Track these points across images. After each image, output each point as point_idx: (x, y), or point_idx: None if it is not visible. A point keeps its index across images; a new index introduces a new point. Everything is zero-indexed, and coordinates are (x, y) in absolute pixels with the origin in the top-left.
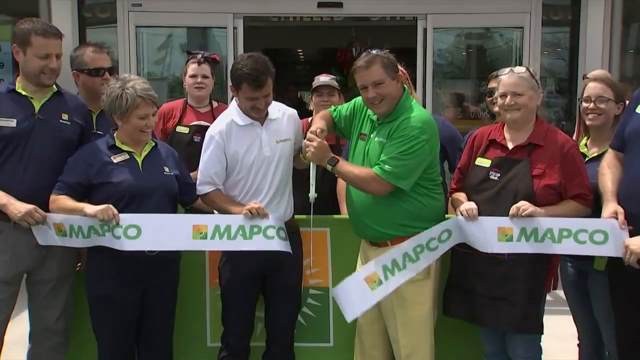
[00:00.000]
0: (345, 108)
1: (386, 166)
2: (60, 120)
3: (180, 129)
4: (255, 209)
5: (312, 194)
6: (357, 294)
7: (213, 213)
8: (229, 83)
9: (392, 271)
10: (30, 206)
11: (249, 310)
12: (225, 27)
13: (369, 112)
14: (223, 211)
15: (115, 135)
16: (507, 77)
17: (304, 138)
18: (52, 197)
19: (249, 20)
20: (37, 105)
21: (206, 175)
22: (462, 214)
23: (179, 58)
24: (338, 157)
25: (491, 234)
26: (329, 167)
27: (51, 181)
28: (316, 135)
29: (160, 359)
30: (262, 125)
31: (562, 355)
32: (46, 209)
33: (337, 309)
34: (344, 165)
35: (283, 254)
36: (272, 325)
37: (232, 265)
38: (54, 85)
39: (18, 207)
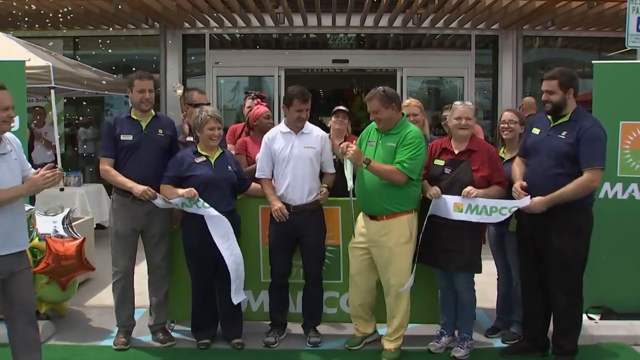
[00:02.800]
0: (359, 139)
1: (405, 164)
2: (158, 134)
3: None
4: (280, 215)
5: (350, 185)
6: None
7: (258, 198)
8: (276, 107)
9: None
10: (145, 187)
11: (286, 259)
12: (273, 76)
13: (373, 128)
14: (265, 195)
15: (197, 145)
16: (462, 107)
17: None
18: (161, 186)
19: (288, 71)
20: (143, 125)
21: (260, 164)
22: (431, 195)
23: (243, 96)
24: (370, 158)
25: (450, 207)
26: (363, 166)
27: (153, 174)
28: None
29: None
30: (296, 134)
31: (487, 286)
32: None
33: (346, 258)
34: (375, 164)
35: (310, 224)
36: (307, 269)
37: (274, 230)
38: (152, 111)
39: (139, 188)
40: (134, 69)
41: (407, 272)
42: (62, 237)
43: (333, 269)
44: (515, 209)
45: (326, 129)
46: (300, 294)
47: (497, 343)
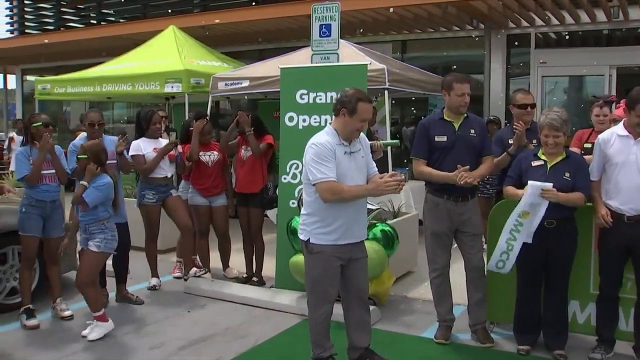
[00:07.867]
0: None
1: None
2: (470, 134)
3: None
4: (602, 223)
5: None
6: None
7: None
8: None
9: None
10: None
11: (616, 270)
12: (603, 75)
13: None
14: (592, 198)
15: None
16: None
17: None
18: (506, 187)
19: (620, 70)
20: (456, 126)
21: (591, 166)
22: None
23: (561, 96)
24: None
25: None
26: None
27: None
28: None
29: (558, 294)
30: (635, 140)
31: None
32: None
33: None
34: None
35: None
36: (638, 284)
37: (605, 240)
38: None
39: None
40: (455, 69)
41: None
42: None
43: None
44: None
45: None
46: (633, 311)
47: None
